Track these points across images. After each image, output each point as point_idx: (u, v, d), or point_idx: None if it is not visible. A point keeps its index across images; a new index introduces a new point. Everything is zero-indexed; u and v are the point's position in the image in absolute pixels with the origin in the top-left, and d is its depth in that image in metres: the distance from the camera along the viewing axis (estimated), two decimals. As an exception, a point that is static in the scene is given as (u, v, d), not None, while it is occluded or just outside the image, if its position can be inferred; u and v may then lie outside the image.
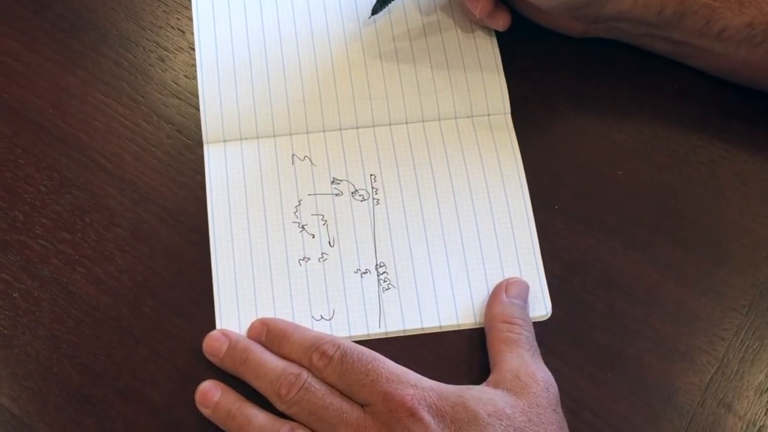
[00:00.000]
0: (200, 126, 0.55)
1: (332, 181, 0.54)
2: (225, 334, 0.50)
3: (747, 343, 0.51)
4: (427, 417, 0.44)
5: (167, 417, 0.49)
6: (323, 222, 0.53)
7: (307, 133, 0.55)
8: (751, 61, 0.53)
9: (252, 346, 0.49)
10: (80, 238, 0.52)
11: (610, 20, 0.54)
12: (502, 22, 0.56)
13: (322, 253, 0.53)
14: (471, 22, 0.58)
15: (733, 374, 0.50)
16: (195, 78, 0.57)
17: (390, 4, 0.57)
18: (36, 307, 0.51)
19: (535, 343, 0.49)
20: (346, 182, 0.54)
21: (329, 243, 0.53)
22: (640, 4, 0.52)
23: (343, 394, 0.46)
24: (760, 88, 0.55)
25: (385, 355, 0.47)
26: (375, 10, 0.57)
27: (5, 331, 0.50)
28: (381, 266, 0.52)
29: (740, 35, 0.51)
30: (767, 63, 0.52)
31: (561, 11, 0.54)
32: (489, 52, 0.58)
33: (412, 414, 0.44)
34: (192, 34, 0.58)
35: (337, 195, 0.54)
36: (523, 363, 0.47)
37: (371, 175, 0.55)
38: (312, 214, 0.54)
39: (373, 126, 0.56)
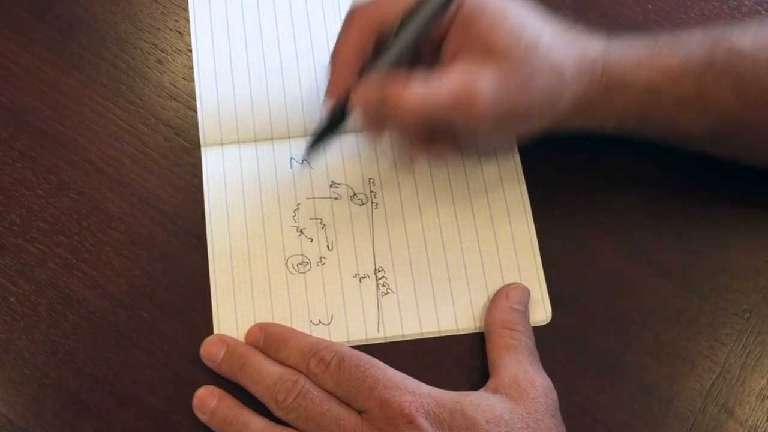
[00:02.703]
0: (198, 129, 0.55)
1: (331, 185, 0.54)
2: (222, 339, 0.49)
3: (748, 348, 0.51)
4: (425, 424, 0.44)
5: (164, 422, 0.49)
6: (322, 226, 0.53)
7: (306, 136, 0.55)
8: (721, 152, 0.52)
9: (249, 351, 0.49)
10: (77, 242, 0.52)
11: (571, 129, 0.52)
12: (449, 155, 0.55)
13: (320, 258, 0.52)
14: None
15: (734, 380, 0.50)
16: (193, 80, 0.56)
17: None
18: (33, 311, 0.51)
19: (535, 350, 0.49)
20: (344, 186, 0.54)
21: (328, 247, 0.53)
22: (597, 121, 0.50)
23: (340, 400, 0.46)
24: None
25: (384, 361, 0.47)
26: (304, 160, 0.54)
27: (2, 336, 0.50)
28: (380, 271, 0.52)
29: (706, 138, 0.50)
30: (739, 153, 0.52)
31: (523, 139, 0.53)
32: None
33: (410, 421, 0.44)
34: (190, 36, 0.58)
35: (335, 199, 0.54)
36: (522, 369, 0.47)
37: (370, 178, 0.54)
38: (310, 218, 0.53)
39: (372, 129, 0.55)
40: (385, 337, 0.51)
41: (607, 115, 0.50)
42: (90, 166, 0.54)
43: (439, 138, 0.51)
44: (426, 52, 0.49)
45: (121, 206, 0.53)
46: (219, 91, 0.56)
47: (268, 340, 0.49)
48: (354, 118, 0.49)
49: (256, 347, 0.49)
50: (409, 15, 0.47)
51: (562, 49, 0.48)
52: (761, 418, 0.49)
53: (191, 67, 0.57)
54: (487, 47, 0.46)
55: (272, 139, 0.55)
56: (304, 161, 0.54)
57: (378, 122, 0.49)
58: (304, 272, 0.52)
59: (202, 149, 0.55)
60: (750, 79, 0.47)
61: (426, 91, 0.46)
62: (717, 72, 0.48)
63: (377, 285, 0.52)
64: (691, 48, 0.48)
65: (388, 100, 0.46)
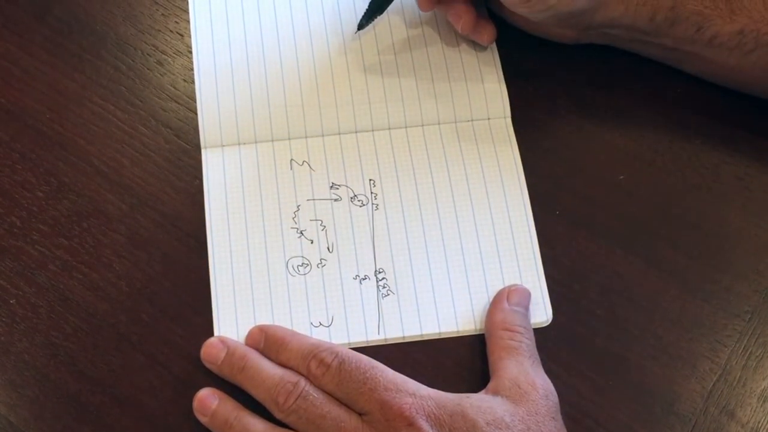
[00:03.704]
0: (198, 130, 0.55)
1: (331, 186, 0.54)
2: (223, 341, 0.49)
3: (750, 350, 0.51)
4: (425, 426, 0.43)
5: (164, 425, 0.49)
6: (322, 227, 0.53)
7: (306, 137, 0.55)
8: (743, 67, 0.53)
9: (250, 353, 0.49)
10: (78, 244, 0.52)
11: (601, 27, 0.54)
12: (486, 36, 0.56)
13: (320, 259, 0.52)
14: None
15: (735, 381, 0.50)
16: (193, 82, 0.56)
17: (375, 20, 0.56)
18: (33, 313, 0.51)
19: (536, 351, 0.49)
20: (345, 187, 0.54)
21: (328, 249, 0.53)
22: (631, 11, 0.52)
23: (341, 402, 0.46)
24: (755, 95, 0.55)
25: (384, 363, 0.47)
26: (361, 26, 0.56)
27: (2, 338, 0.50)
28: (380, 272, 0.52)
29: (731, 42, 0.51)
30: (759, 70, 0.52)
31: (552, 22, 0.54)
32: (489, 56, 0.57)
33: (410, 423, 0.43)
34: (191, 37, 0.58)
35: (336, 200, 0.54)
36: (523, 371, 0.47)
37: (370, 180, 0.54)
38: (311, 220, 0.53)
39: (372, 130, 0.55)
40: (386, 339, 0.51)
41: (642, 2, 0.51)
42: (90, 167, 0.54)
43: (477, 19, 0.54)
44: None
45: (122, 208, 0.53)
46: (219, 92, 0.56)
47: (269, 342, 0.49)
48: None
49: (257, 349, 0.49)
50: None
51: None
52: (762, 420, 0.49)
53: (191, 69, 0.57)
54: None
55: (272, 140, 0.55)
56: (362, 26, 0.56)
57: None
58: (305, 274, 0.52)
59: (203, 151, 0.55)
60: None
61: None
62: None
63: (378, 287, 0.52)
64: None
65: None
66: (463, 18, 0.55)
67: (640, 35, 0.54)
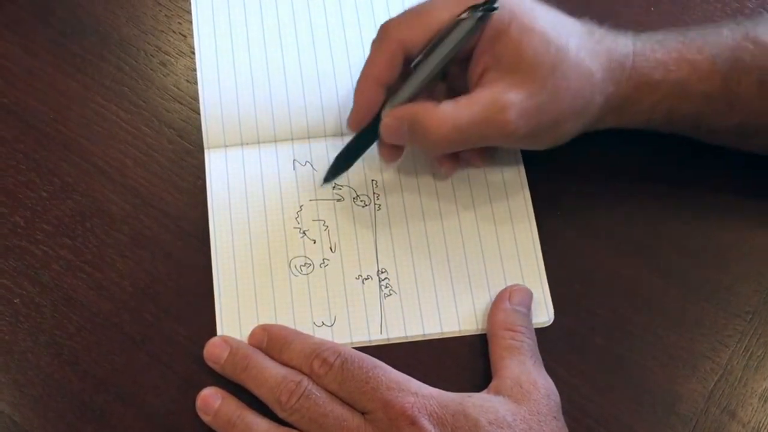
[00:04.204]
0: (201, 131, 0.55)
1: (334, 187, 0.54)
2: (226, 340, 0.50)
3: (751, 350, 0.51)
4: (428, 425, 0.44)
5: (168, 424, 0.49)
6: (324, 227, 0.53)
7: (309, 138, 0.55)
8: (744, 146, 0.53)
9: (253, 353, 0.49)
10: (81, 244, 0.52)
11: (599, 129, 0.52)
12: (480, 161, 0.53)
13: (323, 259, 0.52)
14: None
15: (736, 381, 0.50)
16: (196, 83, 0.57)
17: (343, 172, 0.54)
18: (37, 313, 0.51)
19: (537, 351, 0.49)
20: (347, 188, 0.54)
21: (330, 249, 0.53)
22: (626, 121, 0.51)
23: (343, 401, 0.46)
24: None
25: (387, 362, 0.47)
26: (326, 179, 0.54)
27: (6, 338, 0.50)
28: (382, 272, 0.52)
29: (731, 131, 0.51)
30: (762, 148, 0.52)
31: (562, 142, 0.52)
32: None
33: (413, 422, 0.44)
34: (193, 38, 0.58)
35: (338, 200, 0.54)
36: (525, 370, 0.47)
37: (373, 180, 0.54)
38: (313, 220, 0.53)
39: (375, 131, 0.56)
40: (388, 339, 0.51)
41: (637, 113, 0.50)
42: (93, 168, 0.54)
43: (468, 153, 0.52)
44: (453, 72, 0.50)
45: (125, 208, 0.53)
46: (222, 93, 0.56)
47: (271, 342, 0.49)
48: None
49: (260, 349, 0.49)
50: (437, 38, 0.48)
51: (591, 50, 0.48)
52: (764, 420, 0.49)
53: (194, 70, 0.57)
54: (516, 60, 0.47)
55: (275, 141, 0.55)
56: (327, 180, 0.54)
57: (398, 146, 0.51)
58: (307, 274, 0.52)
59: (206, 151, 0.55)
60: None
61: (456, 111, 0.46)
62: (743, 69, 0.48)
63: (380, 286, 0.52)
64: (720, 45, 0.49)
65: (418, 126, 0.47)
66: (444, 166, 0.53)
67: (637, 128, 0.52)
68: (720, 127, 0.50)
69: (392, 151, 0.52)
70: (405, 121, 0.48)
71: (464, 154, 0.52)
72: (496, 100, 0.46)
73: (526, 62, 0.46)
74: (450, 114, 0.46)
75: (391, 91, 0.50)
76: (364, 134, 0.51)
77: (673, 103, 0.49)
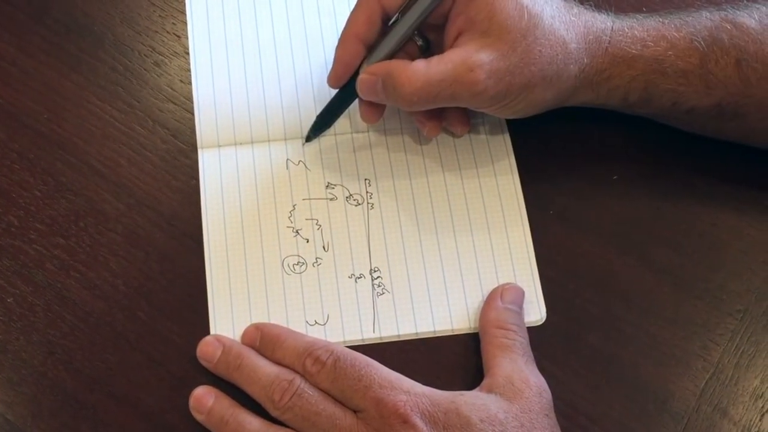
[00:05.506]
0: (195, 131, 0.55)
1: (327, 186, 0.54)
2: (219, 339, 0.50)
3: (742, 348, 0.51)
4: (420, 423, 0.44)
5: (161, 422, 0.49)
6: (317, 226, 0.53)
7: (302, 137, 0.55)
8: (722, 131, 0.53)
9: (246, 351, 0.49)
10: (75, 243, 0.53)
11: (576, 105, 0.53)
12: (460, 128, 0.55)
13: (316, 258, 0.53)
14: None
15: (728, 379, 0.50)
16: (190, 83, 0.57)
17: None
18: (30, 312, 0.51)
19: (530, 349, 0.49)
20: (340, 187, 0.54)
21: (323, 248, 0.53)
22: (603, 96, 0.51)
23: (336, 400, 0.46)
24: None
25: (380, 361, 0.47)
26: (308, 138, 0.55)
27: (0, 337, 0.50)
28: (375, 271, 0.52)
29: (710, 113, 0.51)
30: (740, 132, 0.52)
31: (527, 113, 0.52)
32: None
33: (405, 420, 0.44)
34: (188, 38, 0.58)
35: (331, 200, 0.54)
36: (517, 368, 0.47)
37: (366, 179, 0.55)
38: (306, 219, 0.54)
39: (368, 131, 0.56)
40: (381, 337, 0.51)
41: (613, 88, 0.51)
42: (87, 167, 0.55)
43: (448, 114, 0.53)
44: (436, 42, 0.51)
45: (119, 208, 0.54)
46: (216, 93, 0.56)
47: (264, 340, 0.49)
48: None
49: (252, 347, 0.49)
50: None
51: (567, 21, 0.49)
52: (754, 418, 0.49)
53: (188, 70, 0.57)
54: (489, 22, 0.48)
55: (269, 140, 0.55)
56: (309, 138, 0.55)
57: (378, 105, 0.52)
58: (300, 273, 0.52)
59: (199, 151, 0.55)
60: (753, 58, 0.49)
61: (428, 68, 0.48)
62: (722, 48, 0.49)
63: (373, 285, 0.52)
64: (698, 25, 0.50)
65: (391, 81, 0.49)
66: (427, 126, 0.53)
67: (616, 109, 0.53)
68: (698, 108, 0.51)
69: (372, 110, 0.53)
70: (379, 76, 0.50)
71: (445, 119, 0.54)
72: (467, 59, 0.47)
73: (498, 25, 0.48)
74: (422, 71, 0.48)
75: (370, 51, 0.51)
76: (343, 92, 0.53)
77: (649, 79, 0.50)
